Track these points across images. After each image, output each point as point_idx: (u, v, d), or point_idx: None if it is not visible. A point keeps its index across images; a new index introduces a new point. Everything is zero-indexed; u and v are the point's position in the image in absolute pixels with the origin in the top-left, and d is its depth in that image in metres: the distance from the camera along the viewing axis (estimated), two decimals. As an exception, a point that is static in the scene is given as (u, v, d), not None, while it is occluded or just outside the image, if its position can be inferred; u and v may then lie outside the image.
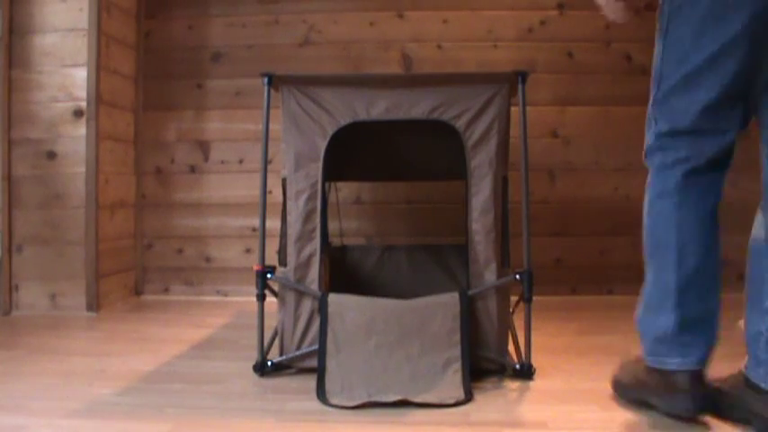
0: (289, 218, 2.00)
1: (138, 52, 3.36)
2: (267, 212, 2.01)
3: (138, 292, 3.38)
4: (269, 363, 2.00)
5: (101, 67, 2.97)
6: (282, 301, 2.00)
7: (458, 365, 1.84)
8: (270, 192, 2.97)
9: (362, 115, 1.99)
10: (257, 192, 3.30)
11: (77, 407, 1.71)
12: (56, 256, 2.94)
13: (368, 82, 2.01)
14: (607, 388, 1.82)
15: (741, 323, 1.85)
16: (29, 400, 1.76)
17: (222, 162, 3.35)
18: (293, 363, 2.00)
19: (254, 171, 3.32)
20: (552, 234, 3.19)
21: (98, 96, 2.95)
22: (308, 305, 1.98)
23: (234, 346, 2.37)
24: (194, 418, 1.63)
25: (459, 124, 1.98)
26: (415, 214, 3.25)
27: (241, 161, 3.33)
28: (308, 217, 1.99)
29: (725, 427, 1.56)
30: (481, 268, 1.96)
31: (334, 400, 1.74)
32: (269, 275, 2.00)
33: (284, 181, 2.03)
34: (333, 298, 1.95)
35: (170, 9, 3.37)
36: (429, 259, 2.65)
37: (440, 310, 1.92)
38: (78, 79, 2.93)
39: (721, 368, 1.96)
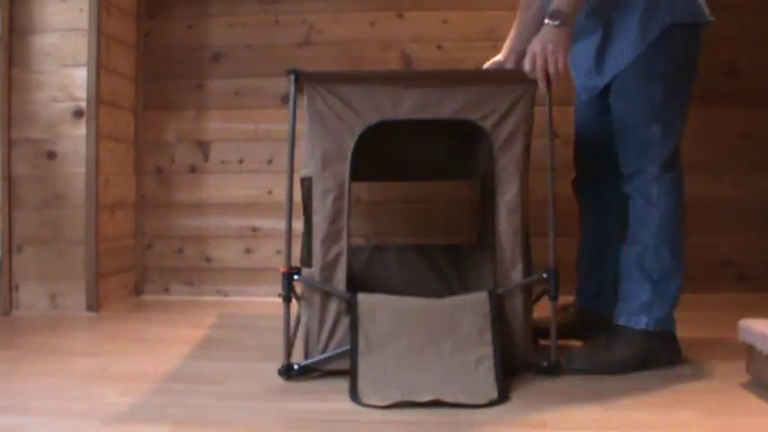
0: (315, 218, 1.96)
1: (138, 52, 3.36)
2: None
3: (138, 292, 3.37)
4: (295, 366, 1.94)
5: (101, 67, 2.97)
6: (308, 303, 1.96)
7: (489, 363, 1.85)
8: (270, 192, 2.97)
9: (390, 114, 1.96)
10: (257, 192, 3.30)
11: (77, 407, 1.71)
12: (56, 256, 2.93)
13: (395, 79, 1.99)
14: (607, 388, 1.82)
15: (741, 323, 1.86)
16: (29, 400, 1.76)
17: (222, 162, 3.34)
18: (319, 365, 1.96)
19: (255, 171, 3.32)
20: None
21: (98, 96, 2.95)
22: (334, 306, 1.95)
23: (234, 346, 2.37)
24: (194, 418, 1.63)
25: (487, 125, 1.98)
26: (413, 214, 3.25)
27: (241, 161, 3.33)
28: (335, 217, 1.95)
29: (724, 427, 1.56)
30: (508, 268, 1.98)
31: (367, 401, 1.72)
32: (295, 277, 1.96)
33: (304, 181, 2.00)
34: (363, 297, 1.93)
35: (170, 9, 3.37)
36: (419, 260, 2.63)
37: (469, 308, 1.92)
38: (78, 79, 2.93)
39: (722, 368, 1.96)
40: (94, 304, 2.93)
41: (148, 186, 3.38)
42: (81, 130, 2.93)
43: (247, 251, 3.31)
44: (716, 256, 3.24)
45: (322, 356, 1.95)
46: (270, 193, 3.28)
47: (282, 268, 1.95)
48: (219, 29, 3.36)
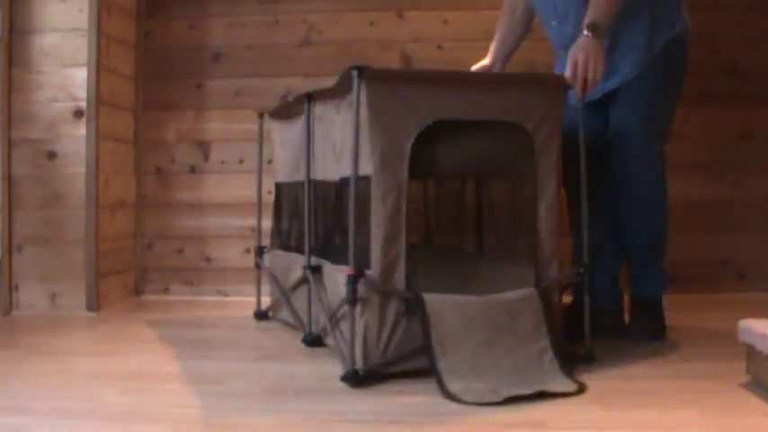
0: (375, 218, 1.92)
1: (138, 52, 3.36)
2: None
3: (138, 292, 3.37)
4: (359, 371, 1.88)
5: (101, 67, 2.97)
6: (366, 305, 1.92)
7: (551, 355, 1.90)
8: (270, 192, 2.97)
9: (444, 114, 1.97)
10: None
11: (77, 407, 1.71)
12: (56, 256, 2.93)
13: (450, 80, 2.03)
14: (607, 388, 1.82)
15: (741, 323, 1.86)
16: (29, 400, 1.76)
17: (222, 162, 3.34)
18: (381, 368, 1.90)
19: (255, 171, 3.31)
20: (552, 234, 3.18)
21: (98, 96, 2.95)
22: (393, 308, 1.92)
23: (234, 346, 2.37)
24: (194, 418, 1.63)
25: (529, 126, 2.04)
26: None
27: (241, 161, 3.33)
28: (394, 217, 1.93)
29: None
30: (547, 263, 2.07)
31: (467, 398, 1.72)
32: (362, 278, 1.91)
33: (346, 181, 1.99)
34: (429, 298, 1.91)
35: (170, 9, 3.37)
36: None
37: (524, 304, 1.98)
38: (78, 79, 2.93)
39: (722, 368, 1.96)
40: (94, 304, 2.93)
41: (148, 186, 3.38)
42: (81, 130, 2.93)
43: (247, 251, 3.31)
44: (716, 256, 3.24)
45: (384, 359, 1.91)
46: (270, 193, 3.28)
47: (350, 270, 1.88)
48: (219, 29, 3.36)
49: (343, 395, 1.80)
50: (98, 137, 2.95)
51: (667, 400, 1.72)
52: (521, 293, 2.01)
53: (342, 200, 2.09)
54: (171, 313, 2.99)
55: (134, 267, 3.36)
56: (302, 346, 2.28)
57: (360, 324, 1.90)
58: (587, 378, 1.91)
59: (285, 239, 2.74)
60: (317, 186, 2.36)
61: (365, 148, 1.92)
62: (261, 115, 2.92)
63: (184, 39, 3.36)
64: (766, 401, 1.68)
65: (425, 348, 1.85)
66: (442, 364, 1.82)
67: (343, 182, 2.03)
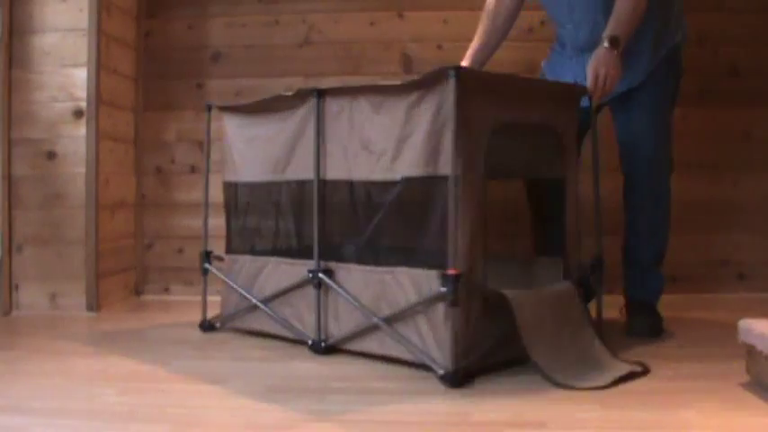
0: (461, 218, 1.91)
1: (138, 52, 3.36)
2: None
3: (138, 292, 3.37)
4: (458, 371, 1.87)
5: (101, 67, 2.97)
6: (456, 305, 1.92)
7: (598, 342, 2.04)
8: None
9: (507, 117, 2.03)
10: (257, 192, 3.29)
11: (77, 407, 1.71)
12: (56, 256, 2.93)
13: (518, 85, 2.14)
14: (607, 388, 1.82)
15: (741, 323, 1.85)
16: (29, 400, 1.76)
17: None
18: (471, 366, 1.91)
19: (254, 171, 3.32)
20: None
21: (98, 96, 2.95)
22: (477, 306, 1.93)
23: (234, 345, 2.37)
24: (194, 418, 1.63)
25: (559, 129, 2.20)
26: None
27: (241, 161, 3.33)
28: (477, 217, 1.94)
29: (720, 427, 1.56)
30: (572, 257, 2.21)
31: (577, 384, 1.82)
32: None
33: (412, 181, 1.99)
34: (509, 293, 1.95)
35: (170, 9, 3.37)
36: None
37: (568, 296, 2.10)
38: (78, 79, 2.93)
39: (722, 368, 1.96)
40: (94, 304, 2.94)
41: (148, 186, 3.38)
42: (81, 130, 2.93)
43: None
44: (716, 256, 3.24)
45: (470, 358, 1.91)
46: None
47: (452, 270, 1.86)
48: (219, 29, 3.36)
49: (343, 395, 1.80)
50: (98, 137, 2.95)
51: (667, 400, 1.72)
52: (563, 286, 2.13)
53: (395, 200, 2.06)
54: (171, 313, 2.99)
55: (134, 267, 3.36)
56: (302, 346, 2.27)
57: (449, 324, 1.90)
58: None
59: (254, 243, 2.57)
60: (326, 186, 2.25)
61: (445, 148, 1.91)
62: (209, 108, 2.73)
63: (184, 39, 3.36)
64: (766, 401, 1.68)
65: (525, 341, 1.89)
66: (538, 356, 1.88)
67: (410, 182, 2.00)
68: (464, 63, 2.55)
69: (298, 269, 2.30)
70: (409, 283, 1.99)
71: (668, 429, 1.54)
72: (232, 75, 3.34)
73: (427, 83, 1.96)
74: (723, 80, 3.24)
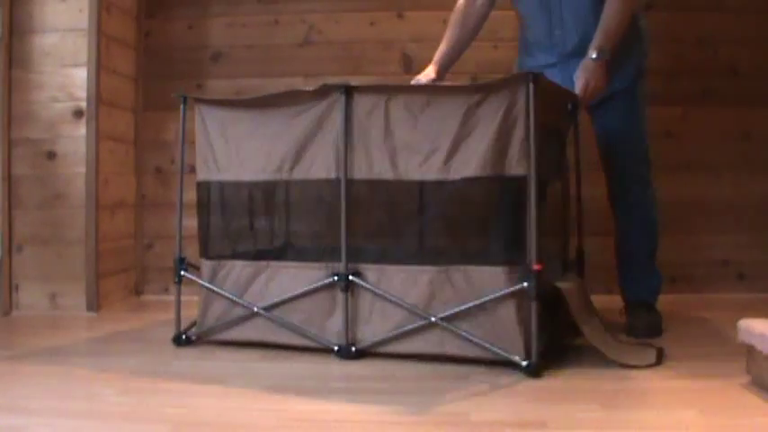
0: (531, 216, 1.94)
1: (138, 52, 3.36)
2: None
3: (138, 292, 3.37)
4: (530, 364, 1.92)
5: (101, 67, 2.97)
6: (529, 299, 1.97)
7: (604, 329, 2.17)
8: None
9: (547, 121, 2.08)
10: (257, 192, 3.29)
11: (77, 407, 1.71)
12: (56, 256, 2.93)
13: (556, 91, 2.24)
14: (607, 388, 1.82)
15: (741, 323, 1.85)
16: (29, 400, 1.76)
17: (222, 162, 3.34)
18: (540, 357, 1.95)
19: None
20: (552, 234, 3.19)
21: (98, 96, 2.95)
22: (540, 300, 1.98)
23: (233, 345, 2.36)
24: (194, 418, 1.63)
25: (564, 133, 2.35)
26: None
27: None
28: (542, 215, 2.00)
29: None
30: (568, 254, 2.39)
31: (638, 363, 2.00)
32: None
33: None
34: (563, 286, 2.06)
35: (170, 9, 3.37)
36: None
37: (583, 289, 2.22)
38: (78, 79, 2.93)
39: (722, 368, 1.96)
40: (94, 304, 2.94)
41: (148, 186, 3.38)
42: (81, 130, 2.93)
43: (247, 251, 3.31)
44: (716, 256, 3.24)
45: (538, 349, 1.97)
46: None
47: (537, 266, 1.91)
48: (219, 29, 3.36)
49: (342, 395, 1.80)
50: (98, 137, 2.95)
51: (667, 400, 1.72)
52: (576, 279, 2.26)
53: (449, 200, 2.10)
54: (171, 313, 2.99)
55: (134, 267, 3.36)
56: (302, 346, 2.25)
57: (532, 317, 1.94)
58: (587, 378, 1.92)
59: (243, 246, 2.43)
60: (353, 185, 2.14)
61: (517, 150, 1.96)
62: (185, 100, 2.53)
63: (184, 39, 3.36)
64: (766, 401, 1.68)
65: (590, 332, 2.04)
66: (594, 340, 2.02)
67: (471, 182, 2.00)
68: (432, 70, 2.53)
69: (312, 273, 2.19)
70: (463, 281, 2.00)
71: (668, 429, 1.54)
72: (232, 75, 3.34)
73: (498, 86, 1.99)
74: (723, 80, 3.24)
